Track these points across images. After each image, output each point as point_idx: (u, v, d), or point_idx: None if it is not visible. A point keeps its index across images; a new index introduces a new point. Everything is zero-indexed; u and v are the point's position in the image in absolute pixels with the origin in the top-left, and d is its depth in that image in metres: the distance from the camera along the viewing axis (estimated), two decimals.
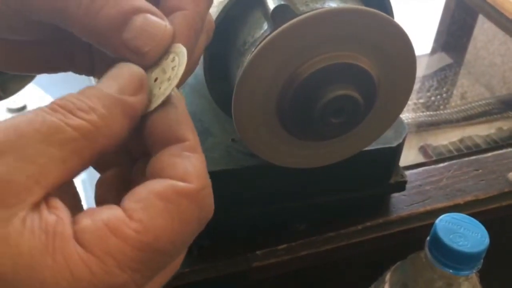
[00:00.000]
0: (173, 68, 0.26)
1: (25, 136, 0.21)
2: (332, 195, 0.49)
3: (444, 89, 0.92)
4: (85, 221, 0.21)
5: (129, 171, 0.28)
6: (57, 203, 0.22)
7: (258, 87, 0.38)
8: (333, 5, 0.38)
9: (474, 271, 0.45)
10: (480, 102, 0.87)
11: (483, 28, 0.99)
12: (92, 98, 0.23)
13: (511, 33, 0.94)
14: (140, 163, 0.27)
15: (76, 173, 0.23)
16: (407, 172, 0.55)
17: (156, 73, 0.27)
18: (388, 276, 0.50)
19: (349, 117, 0.39)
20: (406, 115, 0.84)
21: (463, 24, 1.01)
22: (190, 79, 0.53)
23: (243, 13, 0.41)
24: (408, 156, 0.74)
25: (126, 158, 0.28)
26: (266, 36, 0.36)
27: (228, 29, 0.41)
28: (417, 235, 0.47)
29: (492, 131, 0.82)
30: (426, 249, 0.46)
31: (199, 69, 0.46)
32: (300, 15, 0.36)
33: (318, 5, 0.37)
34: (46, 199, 0.21)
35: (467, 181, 0.56)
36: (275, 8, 0.37)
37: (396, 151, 0.49)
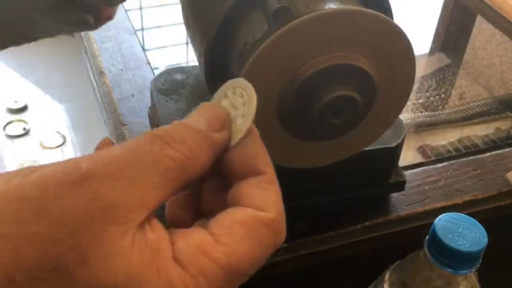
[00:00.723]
0: (243, 104, 0.29)
1: (133, 165, 0.24)
2: (332, 195, 0.50)
3: (443, 89, 0.92)
4: (180, 243, 0.25)
5: (197, 191, 0.31)
6: (157, 224, 0.25)
7: (258, 87, 0.38)
8: (333, 6, 0.38)
9: (473, 270, 0.45)
10: (478, 103, 0.88)
11: (481, 29, 1.00)
12: (184, 132, 0.27)
13: (509, 33, 0.94)
14: (210, 184, 0.31)
15: (167, 199, 0.26)
16: (406, 172, 0.55)
17: (227, 107, 0.29)
18: (387, 276, 0.50)
19: (349, 118, 0.39)
20: (405, 116, 0.84)
21: (461, 25, 1.01)
22: (190, 79, 0.53)
23: (244, 13, 0.41)
24: (407, 156, 0.75)
25: (195, 183, 0.31)
26: (267, 37, 0.37)
27: (228, 30, 0.41)
28: (416, 234, 0.47)
29: (491, 131, 0.82)
30: (425, 248, 0.46)
31: (199, 70, 0.46)
32: (301, 16, 0.36)
33: (318, 7, 0.38)
34: (148, 219, 0.25)
35: (465, 181, 0.56)
36: (276, 9, 0.38)
37: (395, 151, 0.49)
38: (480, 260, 0.45)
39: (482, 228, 0.45)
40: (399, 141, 0.49)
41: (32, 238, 0.22)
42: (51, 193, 0.23)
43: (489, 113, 0.87)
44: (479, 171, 0.58)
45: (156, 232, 0.25)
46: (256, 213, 0.26)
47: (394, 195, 0.54)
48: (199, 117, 0.28)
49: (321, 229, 0.50)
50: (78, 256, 0.22)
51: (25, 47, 0.44)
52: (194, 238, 0.25)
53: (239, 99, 0.29)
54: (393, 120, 0.44)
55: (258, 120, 0.42)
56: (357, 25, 0.37)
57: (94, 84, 0.69)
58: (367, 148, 0.47)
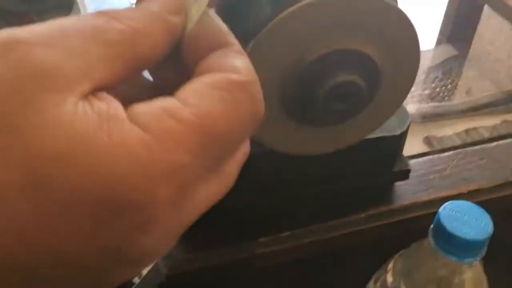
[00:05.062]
0: None
1: (71, 35, 0.21)
2: (336, 183, 0.49)
3: (449, 80, 0.91)
4: (139, 106, 0.21)
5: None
6: (107, 96, 0.21)
7: (261, 73, 0.38)
8: None
9: (478, 259, 0.45)
10: (485, 94, 0.87)
11: (489, 20, 0.99)
12: (134, 11, 0.23)
13: None
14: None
15: (119, 79, 0.22)
16: (411, 161, 0.55)
17: None
18: (390, 265, 0.50)
19: (352, 104, 0.39)
20: (411, 106, 0.84)
21: (468, 16, 1.00)
22: None
23: None
24: (413, 147, 0.74)
25: (158, 92, 0.27)
26: (272, 20, 0.36)
27: (230, 14, 0.41)
28: (420, 223, 0.47)
29: (498, 122, 0.82)
30: (430, 237, 0.45)
31: None
32: (304, 0, 0.36)
33: None
34: (94, 93, 0.21)
35: (471, 170, 0.56)
36: None
37: (399, 139, 0.49)
38: (485, 248, 0.45)
39: (487, 216, 0.45)
40: (404, 129, 0.48)
41: None
42: None
43: (496, 104, 0.86)
44: (485, 160, 0.57)
45: (106, 102, 0.21)
46: (228, 75, 0.23)
47: (399, 184, 0.53)
48: (152, 1, 0.25)
49: (325, 217, 0.50)
50: (6, 127, 0.19)
51: None
52: (157, 102, 0.21)
53: None
54: (397, 107, 0.43)
55: None
56: (362, 10, 0.37)
57: None
58: (371, 136, 0.46)
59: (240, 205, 0.48)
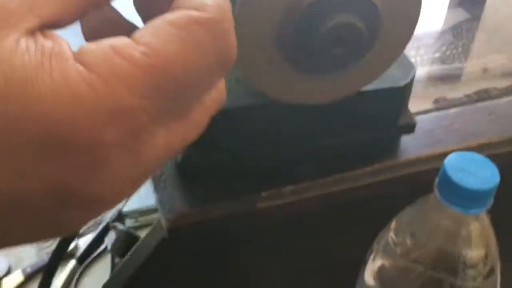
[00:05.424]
0: None
1: None
2: (339, 137, 0.48)
3: (460, 43, 0.89)
4: (87, 45, 0.20)
5: None
6: (54, 34, 0.20)
7: (259, 18, 0.37)
8: None
9: (484, 210, 0.44)
10: (497, 55, 0.85)
11: None
12: None
13: None
14: None
15: (70, 15, 0.21)
16: (418, 117, 0.53)
17: None
18: (393, 224, 0.49)
19: (352, 47, 0.38)
20: (421, 69, 0.82)
21: None
22: None
23: None
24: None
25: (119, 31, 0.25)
26: None
27: None
28: (426, 178, 0.46)
29: (510, 83, 0.80)
30: (435, 188, 0.45)
31: None
32: None
33: None
34: (41, 30, 0.20)
35: (480, 125, 0.55)
36: None
37: (404, 91, 0.47)
38: (492, 200, 0.44)
39: (494, 166, 0.43)
40: (408, 80, 0.47)
41: None
42: None
43: (508, 66, 0.84)
44: (494, 116, 0.56)
45: (52, 39, 0.20)
46: (189, 12, 0.21)
47: (405, 138, 0.52)
48: None
49: (328, 172, 0.49)
50: None
51: None
52: (107, 40, 0.20)
53: None
54: (398, 55, 0.42)
55: (260, 56, 0.41)
56: None
57: None
58: (374, 88, 0.45)
59: (241, 158, 0.47)
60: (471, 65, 0.86)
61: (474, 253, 0.46)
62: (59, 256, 0.65)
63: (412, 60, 0.50)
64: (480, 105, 0.57)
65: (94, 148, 0.19)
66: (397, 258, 0.48)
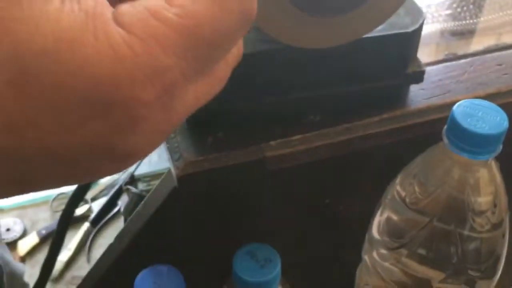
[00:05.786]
0: None
1: None
2: (347, 86, 0.48)
3: (471, 0, 0.89)
4: (124, 6, 0.21)
5: None
6: None
7: None
8: None
9: (493, 156, 0.44)
10: (507, 12, 0.84)
11: None
12: None
13: None
14: None
15: None
16: (428, 68, 0.53)
17: None
18: (402, 175, 0.49)
19: None
20: (432, 25, 0.82)
21: None
22: None
23: None
24: None
25: None
26: None
27: None
28: (436, 128, 0.46)
29: None
30: (444, 136, 0.45)
31: None
32: None
33: None
34: None
35: (489, 75, 0.54)
36: None
37: (412, 37, 0.47)
38: (501, 146, 0.44)
39: (503, 112, 0.43)
40: (417, 26, 0.47)
41: None
42: None
43: None
44: (504, 65, 0.55)
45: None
46: None
47: (413, 88, 0.52)
48: None
49: (337, 121, 0.49)
50: None
51: None
52: (142, 2, 0.21)
53: None
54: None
55: (269, 1, 0.41)
56: None
57: None
58: (381, 33, 0.45)
59: (250, 108, 0.48)
60: (483, 22, 0.85)
61: (482, 200, 0.47)
62: (68, 215, 0.65)
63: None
64: (489, 56, 0.56)
65: (134, 105, 0.21)
66: (405, 210, 0.48)
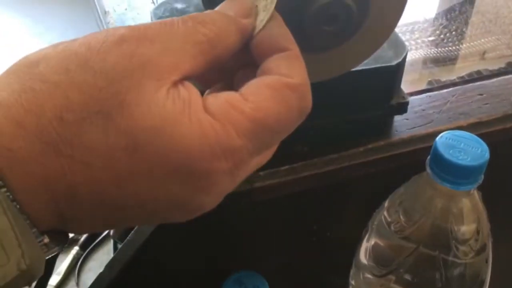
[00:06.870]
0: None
1: (167, 34, 0.28)
2: (333, 117, 0.49)
3: (454, 26, 0.90)
4: (211, 98, 0.28)
5: (229, 84, 0.34)
6: (190, 85, 0.28)
7: None
8: None
9: (475, 186, 0.45)
10: (490, 38, 0.86)
11: None
12: (214, 15, 0.30)
13: None
14: (240, 74, 0.33)
15: (200, 71, 0.29)
16: (411, 98, 0.55)
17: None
18: (387, 203, 0.50)
19: (342, 26, 0.39)
20: (415, 52, 0.83)
21: None
22: (191, 8, 0.53)
23: None
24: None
25: (227, 75, 0.34)
26: None
27: None
28: (419, 157, 0.47)
29: (502, 65, 0.81)
30: (427, 166, 0.46)
31: None
32: None
33: None
34: (181, 81, 0.27)
35: (470, 105, 0.56)
36: None
37: (396, 71, 0.48)
38: (482, 176, 0.45)
39: (484, 144, 0.45)
40: (400, 60, 0.48)
41: (78, 85, 0.25)
42: (95, 49, 0.26)
43: (501, 48, 0.85)
44: (484, 95, 0.57)
45: (189, 90, 0.27)
46: (282, 78, 0.29)
47: (397, 118, 0.53)
48: (227, 6, 0.32)
49: (324, 151, 0.50)
50: (118, 102, 0.25)
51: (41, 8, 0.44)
52: (224, 95, 0.28)
53: None
54: (389, 33, 0.43)
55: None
56: None
57: (99, 24, 0.69)
58: (367, 67, 0.46)
59: None
60: (465, 48, 0.87)
61: (465, 229, 0.48)
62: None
63: (407, 43, 0.51)
64: (471, 85, 0.58)
65: (211, 175, 0.27)
66: (391, 236, 0.49)
